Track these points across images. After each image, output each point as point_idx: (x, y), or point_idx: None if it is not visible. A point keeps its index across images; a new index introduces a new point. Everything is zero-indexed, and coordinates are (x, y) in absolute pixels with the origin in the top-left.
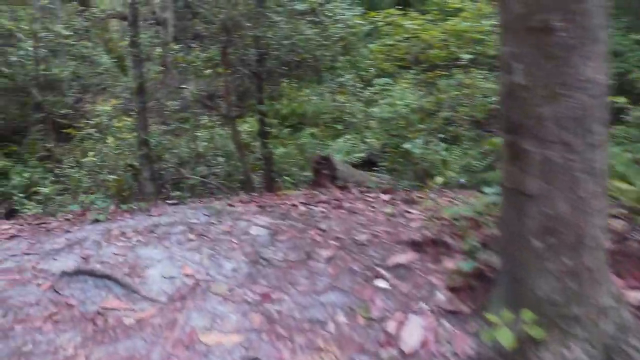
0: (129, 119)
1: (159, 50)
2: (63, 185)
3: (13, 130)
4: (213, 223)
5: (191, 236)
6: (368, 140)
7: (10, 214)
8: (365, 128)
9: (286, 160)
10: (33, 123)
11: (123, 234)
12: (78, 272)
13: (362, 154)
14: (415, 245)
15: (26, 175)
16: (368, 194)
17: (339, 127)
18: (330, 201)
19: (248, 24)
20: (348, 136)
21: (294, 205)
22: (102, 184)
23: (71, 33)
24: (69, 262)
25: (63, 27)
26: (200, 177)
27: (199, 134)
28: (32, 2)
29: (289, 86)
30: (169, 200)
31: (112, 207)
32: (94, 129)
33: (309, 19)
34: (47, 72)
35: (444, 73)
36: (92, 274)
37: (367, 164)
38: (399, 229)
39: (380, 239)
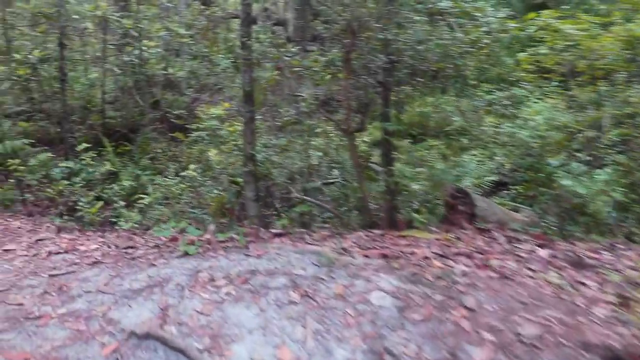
0: (240, 124)
1: (274, 52)
2: (165, 194)
3: (131, 128)
4: (323, 279)
5: (294, 295)
6: (497, 158)
7: (110, 224)
8: (494, 145)
9: (410, 179)
10: (148, 122)
11: (212, 280)
12: (148, 336)
13: (494, 177)
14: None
15: (128, 182)
16: (518, 245)
17: (464, 140)
18: (473, 254)
19: (377, 25)
20: (474, 152)
21: (426, 257)
22: (203, 199)
23: (191, 32)
24: (144, 312)
25: (183, 26)
26: (311, 197)
27: (314, 142)
28: (157, 2)
29: (415, 94)
30: (274, 227)
31: (211, 227)
32: (204, 132)
33: (451, 20)
34: (165, 72)
35: (603, 87)
36: (164, 342)
37: (497, 185)
38: (579, 317)
39: (555, 337)
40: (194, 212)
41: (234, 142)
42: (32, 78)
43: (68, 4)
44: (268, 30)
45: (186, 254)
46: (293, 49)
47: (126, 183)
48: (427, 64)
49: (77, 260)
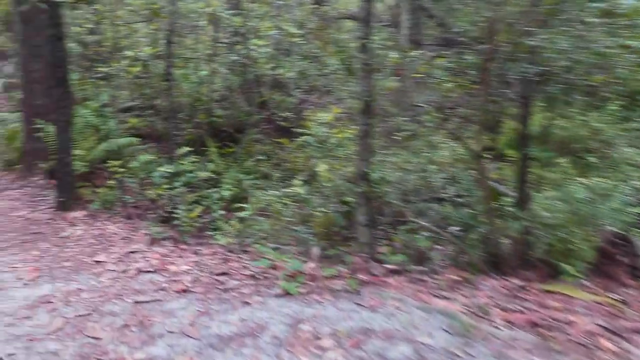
0: (351, 132)
1: (393, 56)
2: (266, 205)
3: (236, 128)
4: (458, 356)
5: None
6: (634, 182)
7: (207, 233)
8: (629, 166)
9: (544, 208)
10: (254, 123)
11: (316, 337)
12: None
13: (636, 209)
14: None
15: (228, 190)
16: None
17: (592, 159)
18: None
19: (526, 28)
20: (603, 174)
21: (590, 333)
22: (307, 215)
23: (302, 32)
24: None
25: (294, 25)
26: (428, 220)
27: (429, 155)
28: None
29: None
30: (385, 257)
31: (315, 251)
32: (311, 138)
33: (623, 23)
34: (274, 72)
35: None
36: None
37: None
38: None
39: None
40: (297, 230)
41: (345, 153)
42: (143, 75)
43: (181, 1)
44: (383, 31)
45: (286, 293)
46: (413, 53)
47: (226, 192)
48: (584, 77)
49: (165, 285)
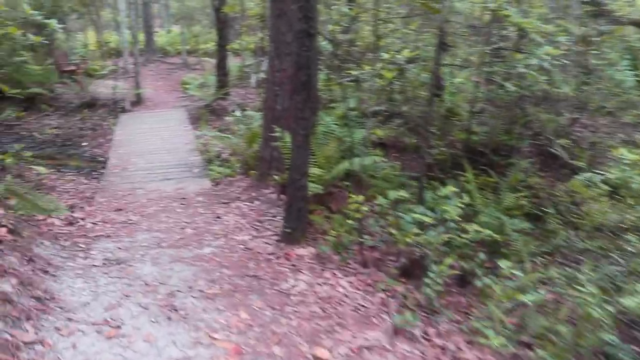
0: None
1: None
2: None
3: (495, 148)
4: None
5: None
6: None
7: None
8: None
9: None
10: (523, 149)
11: None
12: None
13: None
14: None
15: (503, 262)
16: None
17: None
18: None
19: None
20: None
21: None
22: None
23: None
24: None
25: (581, 29)
26: None
27: None
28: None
29: None
30: None
31: None
32: (597, 177)
33: None
34: (552, 87)
35: None
36: None
37: None
38: None
39: None
40: (611, 344)
41: None
42: (396, 82)
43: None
44: None
45: None
46: None
47: (504, 265)
48: None
49: None
